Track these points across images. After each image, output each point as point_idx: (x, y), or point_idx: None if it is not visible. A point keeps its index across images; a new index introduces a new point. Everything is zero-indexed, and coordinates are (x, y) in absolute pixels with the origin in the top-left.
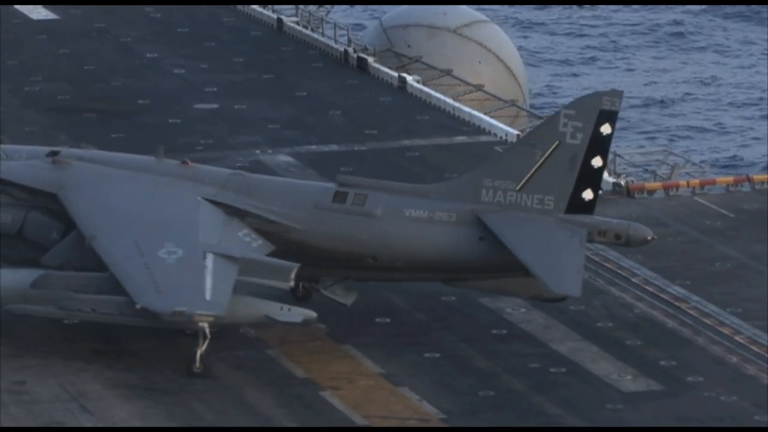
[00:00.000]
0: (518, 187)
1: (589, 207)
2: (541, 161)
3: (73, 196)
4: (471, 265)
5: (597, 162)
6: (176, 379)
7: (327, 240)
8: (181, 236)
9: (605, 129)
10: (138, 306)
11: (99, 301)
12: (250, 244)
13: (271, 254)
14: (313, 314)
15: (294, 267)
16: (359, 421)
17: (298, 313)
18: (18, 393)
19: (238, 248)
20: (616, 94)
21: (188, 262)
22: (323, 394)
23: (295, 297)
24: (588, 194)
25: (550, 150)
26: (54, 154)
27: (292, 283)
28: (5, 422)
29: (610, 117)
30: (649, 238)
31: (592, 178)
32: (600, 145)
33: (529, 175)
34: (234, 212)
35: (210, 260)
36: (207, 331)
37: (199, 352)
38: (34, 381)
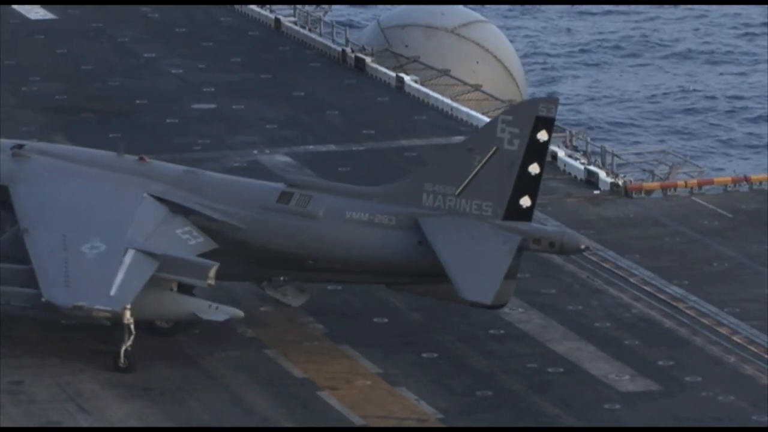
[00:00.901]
0: (457, 193)
1: (526, 214)
2: (479, 167)
3: (21, 189)
4: (410, 269)
5: (534, 169)
6: (174, 379)
7: (268, 240)
8: (109, 232)
9: (542, 136)
10: (43, 299)
11: (13, 294)
12: (187, 241)
13: (213, 252)
14: (240, 313)
15: (212, 265)
16: (357, 421)
17: (224, 312)
18: (15, 393)
19: (165, 245)
20: (552, 101)
21: (107, 257)
22: (321, 394)
23: None
24: (526, 201)
25: (488, 156)
26: (19, 147)
27: (211, 282)
28: (3, 422)
29: (547, 124)
30: (583, 247)
31: (530, 185)
32: (537, 151)
33: (467, 181)
34: (179, 210)
35: (129, 256)
36: (132, 327)
37: (123, 348)
38: (31, 381)
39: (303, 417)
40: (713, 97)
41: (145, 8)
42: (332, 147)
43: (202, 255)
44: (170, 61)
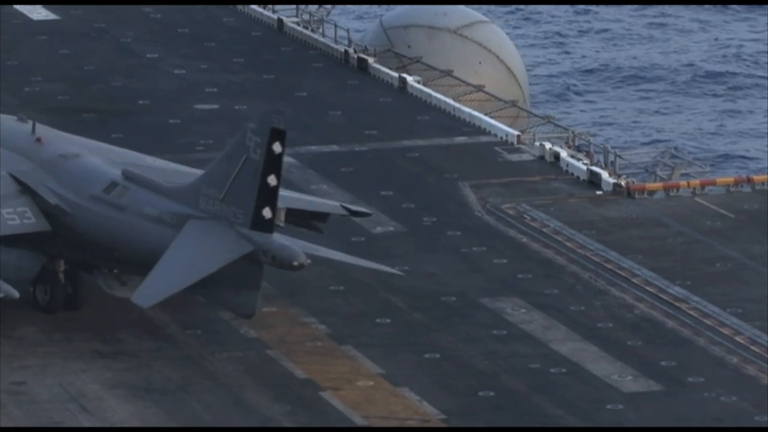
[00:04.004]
0: (221, 198)
1: (267, 225)
2: (235, 174)
3: None
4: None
5: (272, 180)
6: (175, 379)
7: (86, 228)
8: None
9: (276, 147)
10: None
11: None
12: (8, 221)
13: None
14: (14, 294)
15: None
16: (359, 421)
17: (1, 290)
18: (17, 393)
19: None
20: (281, 113)
21: None
22: (323, 394)
23: None
24: (267, 212)
25: (240, 163)
26: None
27: None
28: (4, 423)
29: (280, 136)
30: (296, 264)
31: (270, 197)
32: (273, 163)
33: (227, 187)
34: (27, 191)
35: None
36: None
37: None
38: (33, 381)
39: (305, 417)
40: (716, 98)
41: (148, 9)
42: (335, 147)
43: (33, 235)
44: (172, 61)
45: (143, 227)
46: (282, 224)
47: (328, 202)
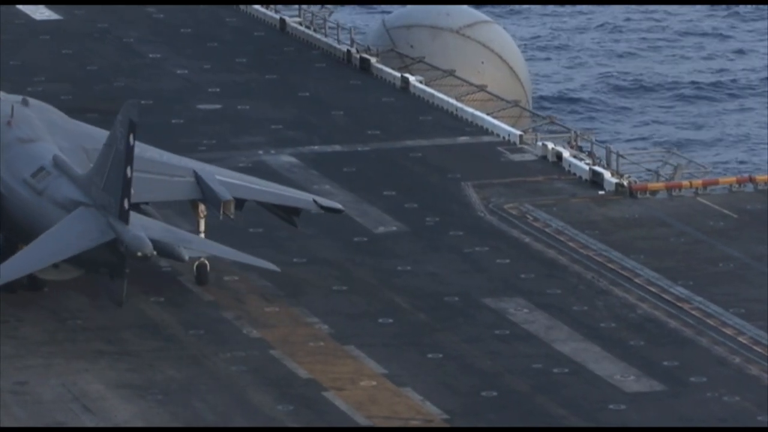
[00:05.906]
0: (102, 187)
1: (126, 215)
2: (109, 163)
3: None
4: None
5: (129, 172)
6: (178, 379)
7: (13, 211)
8: None
9: (131, 139)
10: None
11: None
12: None
13: None
14: None
15: None
16: (362, 421)
17: None
18: (20, 393)
19: None
20: (136, 104)
21: None
22: (326, 394)
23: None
24: (126, 203)
25: (112, 153)
26: None
27: None
28: (7, 423)
29: (134, 127)
30: (140, 254)
31: (128, 187)
32: (130, 154)
33: (105, 176)
34: None
35: None
36: None
37: None
38: (36, 381)
39: (308, 417)
40: (722, 97)
41: (151, 9)
42: (337, 147)
43: None
44: (175, 61)
45: (52, 213)
46: (232, 216)
47: (301, 196)
